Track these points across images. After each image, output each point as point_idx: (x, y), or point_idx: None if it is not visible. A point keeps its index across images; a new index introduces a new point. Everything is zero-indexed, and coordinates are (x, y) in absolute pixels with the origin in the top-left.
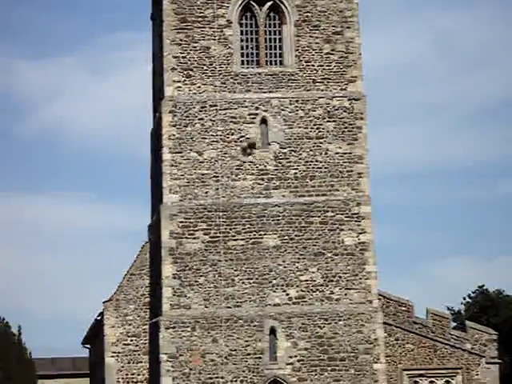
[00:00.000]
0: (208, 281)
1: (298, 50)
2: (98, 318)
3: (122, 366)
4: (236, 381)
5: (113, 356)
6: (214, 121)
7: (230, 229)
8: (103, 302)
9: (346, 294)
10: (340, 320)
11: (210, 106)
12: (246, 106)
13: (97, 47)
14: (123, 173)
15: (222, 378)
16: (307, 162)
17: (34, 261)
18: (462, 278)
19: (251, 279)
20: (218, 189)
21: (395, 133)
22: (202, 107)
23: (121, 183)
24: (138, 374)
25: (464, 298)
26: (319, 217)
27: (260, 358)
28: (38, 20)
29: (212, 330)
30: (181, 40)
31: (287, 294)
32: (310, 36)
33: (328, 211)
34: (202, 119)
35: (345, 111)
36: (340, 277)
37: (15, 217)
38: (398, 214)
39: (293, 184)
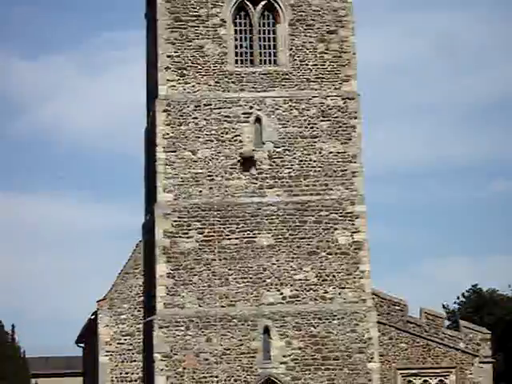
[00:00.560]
0: (202, 280)
1: (292, 49)
2: (92, 316)
3: (116, 365)
4: (230, 380)
5: (107, 355)
6: (208, 120)
7: (224, 228)
8: (97, 301)
9: (339, 293)
10: (334, 319)
11: (204, 105)
12: (240, 105)
13: (90, 46)
14: (117, 172)
15: (216, 377)
16: (301, 161)
17: (27, 260)
18: (457, 277)
19: (245, 278)
20: (212, 188)
21: (391, 132)
22: (196, 106)
23: (115, 182)
24: (132, 373)
25: (458, 297)
26: (313, 216)
27: (254, 357)
28: (30, 19)
29: (206, 329)
30: (175, 39)
31: (281, 293)
32: (304, 35)
33: (322, 210)
34: (196, 118)
35: (339, 110)
36: (334, 276)
37: (9, 216)
38: (392, 213)
39: (287, 183)
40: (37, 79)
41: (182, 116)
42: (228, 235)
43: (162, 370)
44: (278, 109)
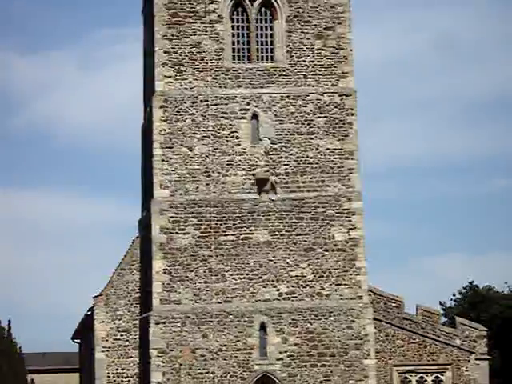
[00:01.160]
0: (198, 276)
1: (289, 45)
2: (89, 312)
3: (112, 361)
4: (226, 376)
5: (103, 351)
6: (204, 116)
7: (221, 224)
8: (93, 297)
9: (336, 290)
10: (330, 316)
11: (201, 101)
12: (237, 102)
13: (88, 42)
14: (114, 168)
15: (212, 373)
16: (298, 157)
17: (24, 255)
18: (453, 274)
19: (242, 275)
20: (208, 184)
21: (389, 128)
22: (193, 102)
23: (111, 178)
24: (128, 369)
25: (454, 294)
26: (310, 212)
27: (250, 353)
28: (29, 15)
29: (202, 325)
30: (172, 35)
31: (277, 290)
32: (302, 32)
33: (319, 207)
34: (192, 114)
35: (336, 107)
36: (330, 272)
37: (5, 211)
38: (389, 210)
39: (283, 180)
40: (36, 74)
41: (178, 112)
42: (224, 231)
43: (158, 366)
44: (274, 105)
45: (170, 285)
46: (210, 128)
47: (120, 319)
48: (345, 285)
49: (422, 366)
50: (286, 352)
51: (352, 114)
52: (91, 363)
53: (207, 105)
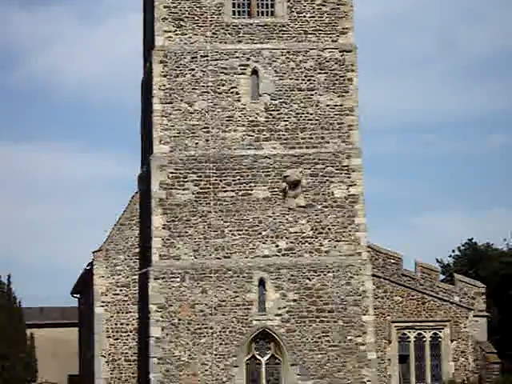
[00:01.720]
0: (198, 232)
1: (289, 0)
2: (88, 267)
3: (111, 316)
4: (225, 331)
5: (102, 306)
6: (204, 71)
7: (220, 180)
8: (93, 252)
9: (335, 246)
10: (329, 272)
11: (201, 56)
12: (237, 57)
13: None
14: (114, 122)
15: (211, 328)
16: (298, 113)
17: (23, 210)
18: (453, 231)
19: (241, 231)
20: (208, 140)
21: (388, 85)
22: (192, 57)
23: (111, 132)
24: (127, 324)
25: (453, 251)
26: (309, 169)
27: (249, 308)
28: None
29: (201, 280)
30: None
31: (277, 246)
32: None
33: (318, 163)
34: (192, 70)
35: (336, 63)
36: (329, 229)
37: (3, 166)
38: (388, 166)
39: (283, 136)
40: (37, 28)
41: (178, 67)
42: (224, 187)
43: (157, 321)
44: (275, 61)
45: (169, 240)
46: (210, 83)
47: (119, 274)
48: (344, 241)
49: (421, 322)
50: (284, 308)
51: (352, 70)
52: (90, 318)
53: (207, 60)
